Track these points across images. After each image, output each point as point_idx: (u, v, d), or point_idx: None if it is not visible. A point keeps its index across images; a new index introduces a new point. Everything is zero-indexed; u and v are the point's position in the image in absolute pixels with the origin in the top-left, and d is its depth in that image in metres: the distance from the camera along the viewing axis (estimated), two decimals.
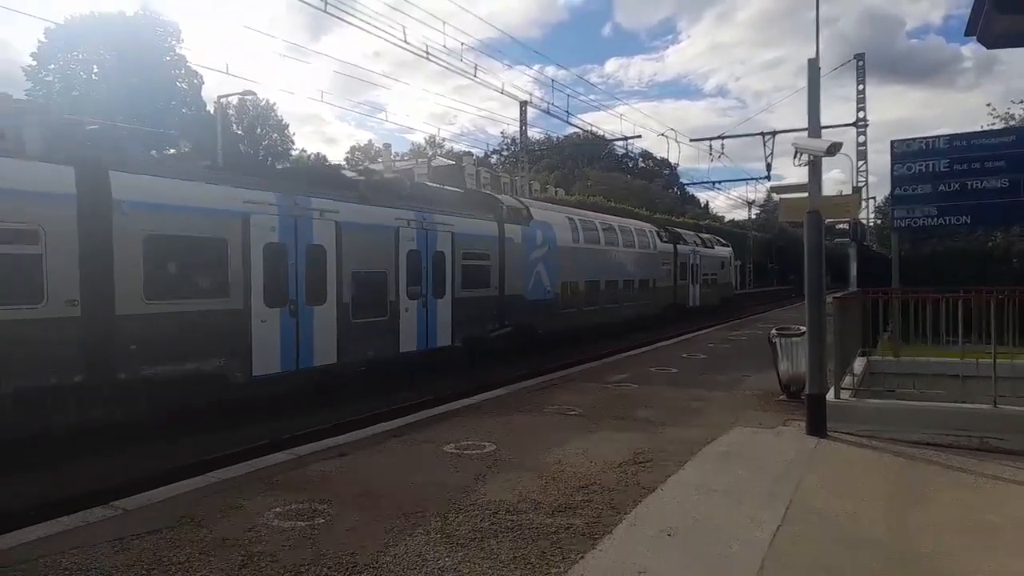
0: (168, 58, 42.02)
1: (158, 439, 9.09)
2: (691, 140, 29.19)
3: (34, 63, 39.72)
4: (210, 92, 44.96)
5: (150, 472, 7.65)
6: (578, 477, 6.30)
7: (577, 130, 39.21)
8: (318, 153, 68.24)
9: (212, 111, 39.36)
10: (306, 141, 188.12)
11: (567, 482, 6.15)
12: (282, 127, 61.44)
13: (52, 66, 39.56)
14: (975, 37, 7.99)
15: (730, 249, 38.93)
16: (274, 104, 60.28)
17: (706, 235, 37.28)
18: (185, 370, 9.78)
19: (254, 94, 37.58)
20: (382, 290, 13.21)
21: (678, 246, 29.74)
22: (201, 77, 44.15)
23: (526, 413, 9.25)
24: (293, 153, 61.49)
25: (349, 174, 15.41)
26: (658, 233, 28.62)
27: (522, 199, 22.27)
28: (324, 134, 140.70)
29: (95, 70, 39.64)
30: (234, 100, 46.61)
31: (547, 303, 19.02)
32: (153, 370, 9.39)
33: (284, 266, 11.21)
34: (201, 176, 10.74)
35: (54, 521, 5.34)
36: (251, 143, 56.83)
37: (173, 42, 42.42)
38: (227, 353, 10.33)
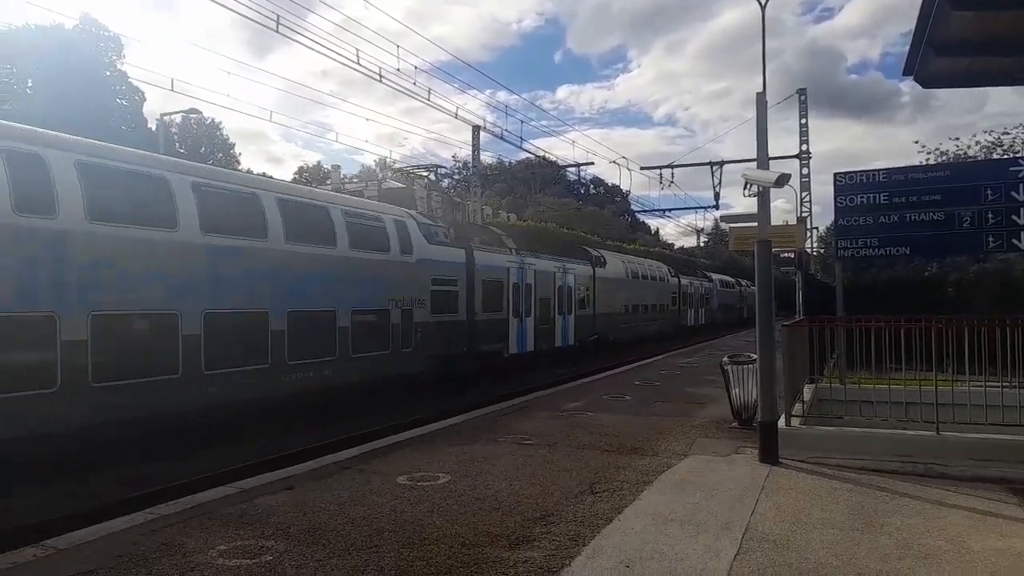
0: (108, 73, 40.83)
1: (92, 472, 8.64)
2: (641, 168, 29.78)
3: None
4: (153, 109, 43.96)
5: (85, 508, 7.26)
6: (536, 508, 6.21)
7: (529, 155, 39.57)
8: (264, 173, 66.93)
9: (154, 129, 38.36)
10: (251, 160, 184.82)
11: (525, 513, 6.05)
12: (227, 146, 60.28)
13: None
14: (912, 77, 8.38)
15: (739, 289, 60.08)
16: (220, 123, 59.17)
17: (731, 278, 59.11)
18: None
19: (199, 112, 36.91)
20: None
21: (739, 287, 58.75)
22: (143, 94, 43.01)
23: (481, 443, 9.12)
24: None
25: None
26: (737, 281, 59.13)
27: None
28: (269, 153, 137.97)
29: (30, 84, 38.23)
30: (177, 118, 45.65)
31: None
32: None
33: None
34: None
35: None
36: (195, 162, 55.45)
37: (114, 57, 41.29)
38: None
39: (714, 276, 52.50)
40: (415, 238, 15.84)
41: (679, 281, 40.52)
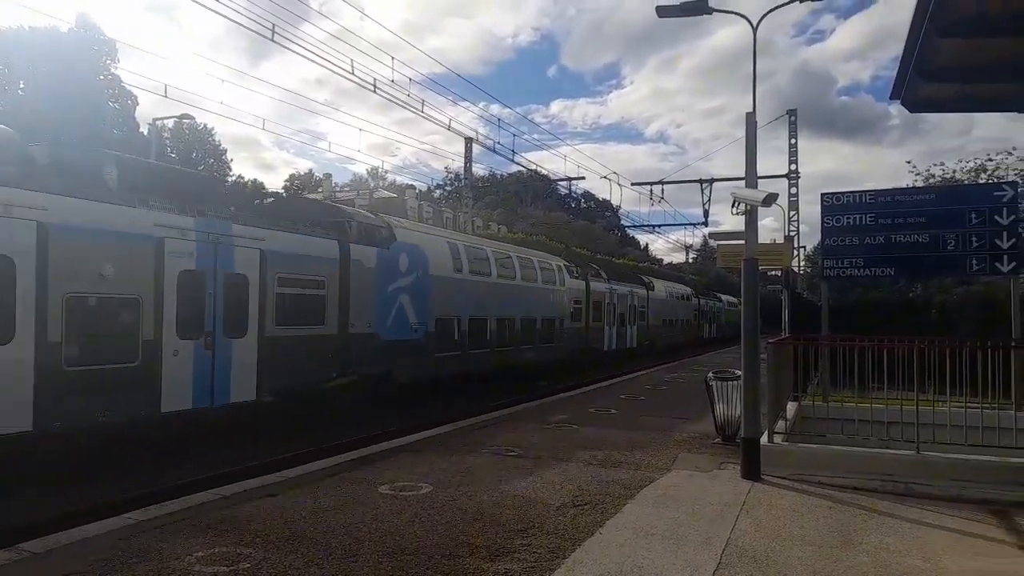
0: (102, 77, 40.71)
1: (75, 478, 8.55)
2: (632, 184, 30.06)
3: None
4: (146, 114, 43.81)
5: (61, 512, 7.19)
6: (517, 520, 6.20)
7: (521, 168, 39.65)
8: (255, 180, 66.76)
9: (146, 133, 38.24)
10: (242, 166, 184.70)
11: (506, 525, 6.04)
12: (219, 152, 60.10)
13: None
14: (899, 101, 8.49)
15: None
16: (212, 128, 59.02)
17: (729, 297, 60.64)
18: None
19: (192, 118, 36.62)
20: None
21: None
22: (136, 98, 42.92)
23: (464, 454, 9.10)
24: (230, 179, 60.09)
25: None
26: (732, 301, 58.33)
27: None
28: (261, 160, 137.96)
29: (21, 85, 38.06)
30: (170, 123, 45.43)
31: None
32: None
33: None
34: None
35: None
36: (186, 168, 55.27)
37: (108, 61, 41.19)
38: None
39: (723, 297, 59.66)
40: (564, 274, 24.55)
41: (699, 301, 49.42)
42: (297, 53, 55.64)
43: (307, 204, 17.58)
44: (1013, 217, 11.01)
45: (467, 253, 18.37)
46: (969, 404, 8.18)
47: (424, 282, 15.98)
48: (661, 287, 39.52)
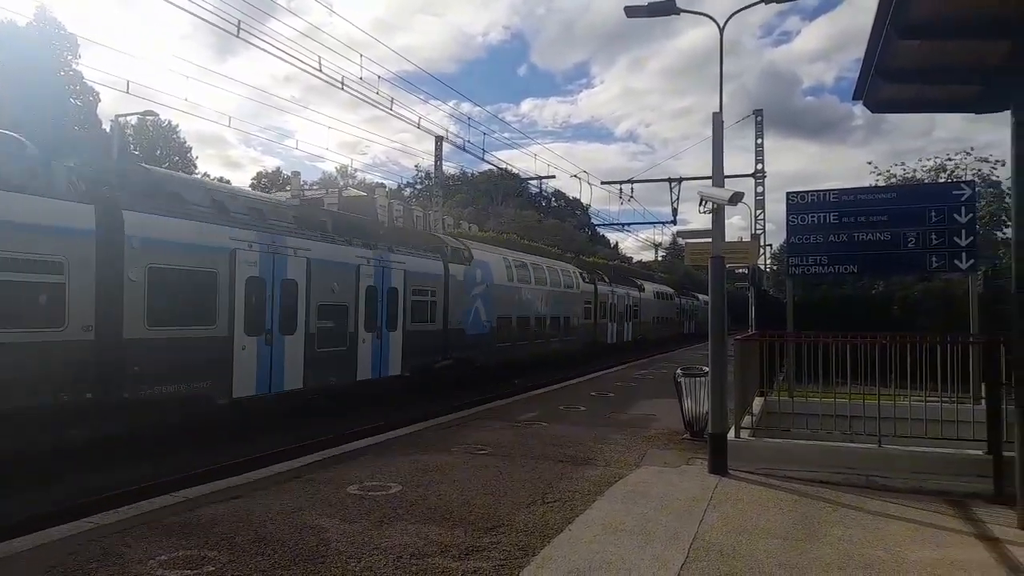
0: (63, 73, 39.73)
1: (31, 480, 8.34)
2: (602, 183, 30.39)
3: None
4: (108, 111, 42.84)
5: (19, 517, 7.00)
6: (487, 518, 6.19)
7: (492, 167, 39.64)
8: (221, 178, 65.68)
9: (108, 130, 37.42)
10: (208, 164, 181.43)
11: (475, 524, 6.03)
12: (184, 150, 59.06)
13: None
14: (862, 102, 8.64)
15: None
16: (176, 125, 58.00)
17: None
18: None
19: (156, 114, 35.98)
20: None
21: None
22: (98, 95, 41.97)
23: (435, 452, 9.06)
24: (196, 177, 59.03)
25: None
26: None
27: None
28: (228, 158, 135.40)
29: None
30: (133, 120, 44.58)
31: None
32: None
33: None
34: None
35: None
36: (150, 165, 54.15)
37: (69, 56, 40.22)
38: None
39: (700, 296, 63.04)
40: (578, 279, 29.20)
41: (680, 300, 53.95)
42: (264, 50, 54.96)
43: (417, 234, 22.59)
44: (971, 215, 11.29)
45: (515, 265, 23.66)
46: (929, 398, 8.37)
47: (490, 290, 21.06)
48: (650, 289, 44.54)
